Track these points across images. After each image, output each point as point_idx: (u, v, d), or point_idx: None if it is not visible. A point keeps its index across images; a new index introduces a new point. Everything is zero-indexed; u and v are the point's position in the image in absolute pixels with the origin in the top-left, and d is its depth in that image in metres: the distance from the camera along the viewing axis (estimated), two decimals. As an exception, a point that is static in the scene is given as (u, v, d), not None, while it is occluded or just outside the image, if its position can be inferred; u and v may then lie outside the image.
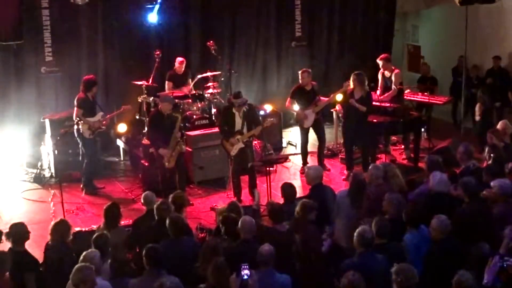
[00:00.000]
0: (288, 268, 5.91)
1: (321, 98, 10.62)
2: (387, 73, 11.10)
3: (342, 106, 10.64)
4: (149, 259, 5.80)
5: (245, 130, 9.39)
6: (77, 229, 8.08)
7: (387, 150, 11.07)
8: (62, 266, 6.20)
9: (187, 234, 6.79)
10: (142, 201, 7.71)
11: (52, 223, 6.85)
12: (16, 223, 6.61)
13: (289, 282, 5.72)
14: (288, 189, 7.55)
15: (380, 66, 11.14)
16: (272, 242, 5.92)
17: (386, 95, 10.92)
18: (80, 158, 10.44)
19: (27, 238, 6.52)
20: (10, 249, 6.36)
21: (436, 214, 6.16)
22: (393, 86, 10.97)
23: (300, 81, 10.49)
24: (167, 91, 11.12)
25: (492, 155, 8.27)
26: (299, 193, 8.58)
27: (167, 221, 6.54)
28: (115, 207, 7.25)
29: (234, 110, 9.36)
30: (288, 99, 10.66)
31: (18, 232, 6.45)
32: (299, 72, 10.61)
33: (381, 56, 11.27)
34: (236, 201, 7.60)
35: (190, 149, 10.33)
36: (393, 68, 11.15)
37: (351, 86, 10.08)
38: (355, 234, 5.92)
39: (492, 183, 6.90)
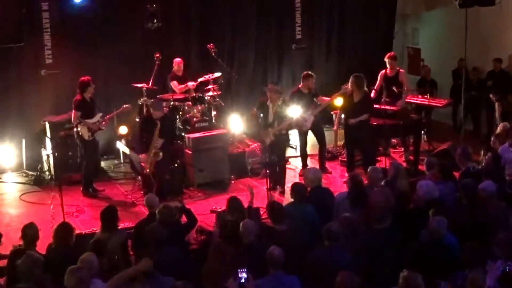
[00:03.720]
0: (289, 268, 5.87)
1: (322, 98, 10.61)
2: (389, 72, 11.12)
3: (342, 111, 10.62)
4: None
5: (275, 124, 9.65)
6: (77, 231, 8.04)
7: (387, 153, 11.05)
8: (63, 269, 6.18)
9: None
10: (145, 203, 7.69)
11: (56, 226, 6.84)
12: (30, 224, 6.62)
13: (298, 283, 5.70)
14: (298, 189, 7.40)
15: (387, 64, 11.14)
16: (273, 242, 5.93)
17: (401, 100, 11.02)
18: (80, 160, 10.47)
19: (38, 238, 6.56)
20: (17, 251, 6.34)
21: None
22: (404, 87, 11.09)
23: (306, 84, 10.40)
24: (175, 89, 11.38)
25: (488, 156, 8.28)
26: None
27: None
28: (112, 209, 7.22)
29: (268, 103, 9.70)
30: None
31: (33, 233, 6.50)
32: (303, 75, 10.50)
33: (388, 54, 11.32)
34: (235, 198, 7.36)
35: (190, 152, 10.34)
36: (397, 68, 11.20)
37: (350, 88, 10.06)
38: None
39: (479, 186, 6.90)
